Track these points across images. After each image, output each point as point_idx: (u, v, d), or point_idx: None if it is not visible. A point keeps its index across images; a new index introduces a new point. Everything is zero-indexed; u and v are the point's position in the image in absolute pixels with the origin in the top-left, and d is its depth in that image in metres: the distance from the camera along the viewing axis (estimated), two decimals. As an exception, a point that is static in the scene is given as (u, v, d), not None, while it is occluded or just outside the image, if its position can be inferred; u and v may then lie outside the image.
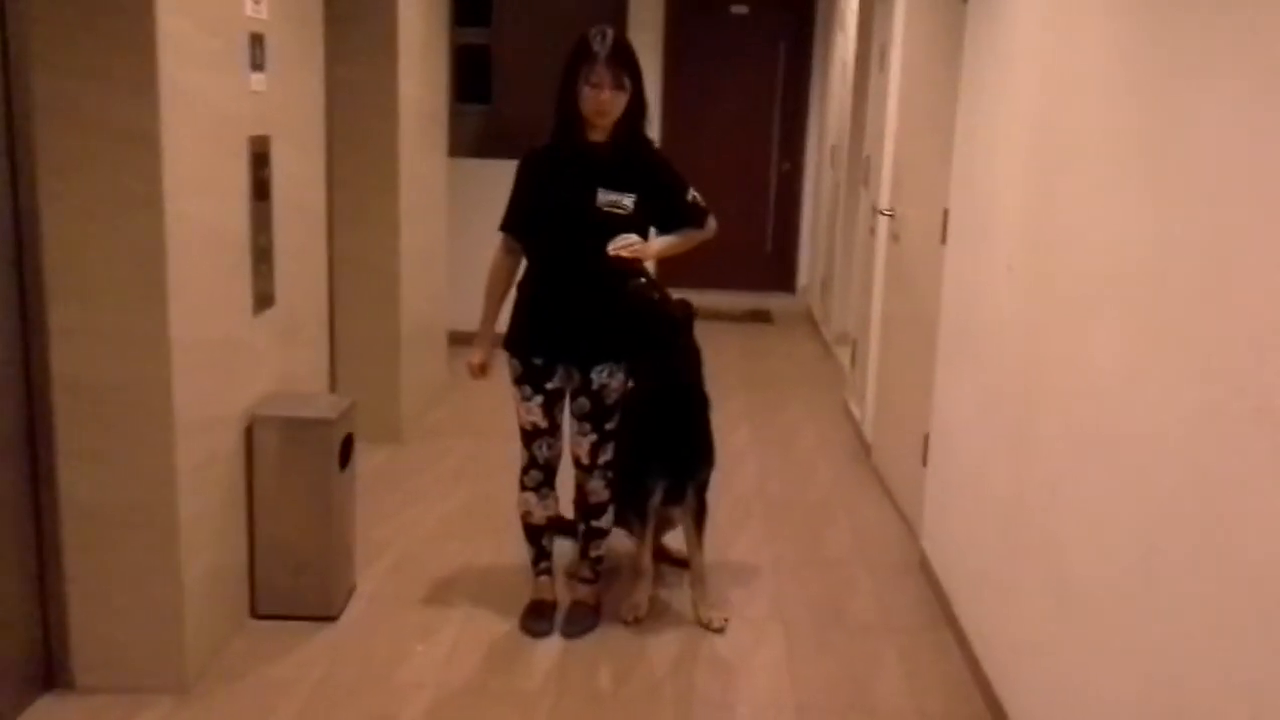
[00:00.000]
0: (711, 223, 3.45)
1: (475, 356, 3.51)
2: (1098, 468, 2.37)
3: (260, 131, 3.35)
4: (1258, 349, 1.73)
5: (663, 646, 3.39)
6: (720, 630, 3.47)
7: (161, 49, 2.71)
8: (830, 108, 8.13)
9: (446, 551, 4.02)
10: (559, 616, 3.50)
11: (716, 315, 8.51)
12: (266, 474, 3.36)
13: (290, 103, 3.60)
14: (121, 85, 2.71)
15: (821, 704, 3.09)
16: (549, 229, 3.33)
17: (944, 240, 3.92)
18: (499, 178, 6.33)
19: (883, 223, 5.10)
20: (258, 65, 3.31)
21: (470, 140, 7.66)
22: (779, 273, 9.24)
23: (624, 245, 3.24)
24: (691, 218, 3.39)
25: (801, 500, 4.71)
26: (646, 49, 8.70)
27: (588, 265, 3.27)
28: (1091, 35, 2.57)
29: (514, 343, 3.39)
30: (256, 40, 3.29)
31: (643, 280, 3.33)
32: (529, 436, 3.46)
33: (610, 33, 3.22)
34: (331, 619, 3.45)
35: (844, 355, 6.86)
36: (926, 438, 4.05)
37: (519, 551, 3.96)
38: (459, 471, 4.89)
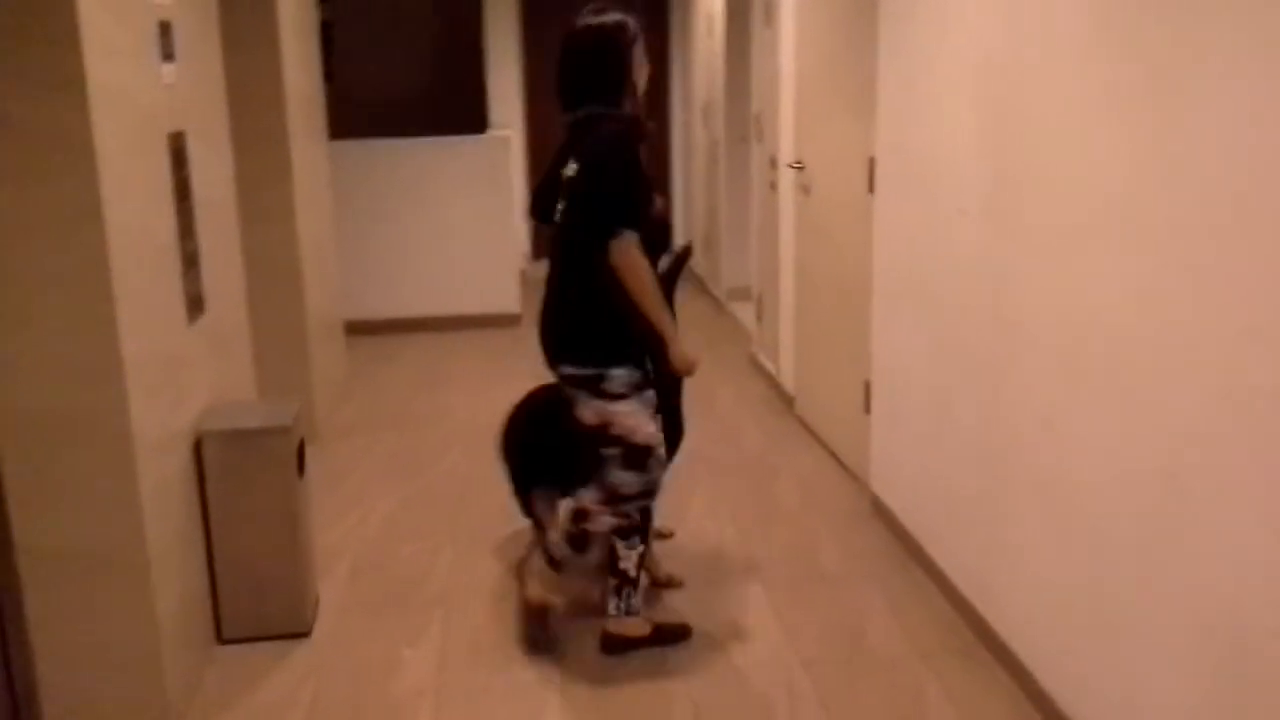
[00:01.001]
0: None
1: (689, 351, 3.07)
2: (1103, 396, 2.45)
3: (176, 127, 3.13)
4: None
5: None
6: (680, 585, 3.50)
7: (86, 43, 2.49)
8: (696, 66, 8.13)
9: (403, 552, 3.88)
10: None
11: (598, 282, 8.48)
12: (222, 491, 3.17)
13: (199, 95, 3.38)
14: (44, 84, 2.47)
15: (824, 656, 3.12)
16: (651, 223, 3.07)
17: (871, 189, 3.97)
18: (341, 159, 6.19)
19: (786, 176, 5.15)
20: (168, 55, 3.08)
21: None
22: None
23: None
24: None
25: (739, 459, 4.74)
26: (501, 15, 8.56)
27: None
28: (1050, -23, 2.62)
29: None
30: (165, 29, 3.06)
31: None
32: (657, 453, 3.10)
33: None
34: (304, 635, 3.30)
35: (741, 311, 6.94)
36: (868, 384, 4.12)
37: (478, 544, 3.89)
38: (388, 469, 4.73)
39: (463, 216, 7.15)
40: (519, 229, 7.97)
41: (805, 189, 4.85)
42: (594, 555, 3.37)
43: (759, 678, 3.03)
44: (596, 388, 3.01)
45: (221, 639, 3.25)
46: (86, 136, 2.50)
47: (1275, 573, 1.90)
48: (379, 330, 7.01)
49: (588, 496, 3.09)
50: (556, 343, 3.11)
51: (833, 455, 4.66)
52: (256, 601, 3.25)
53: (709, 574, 3.64)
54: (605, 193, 2.91)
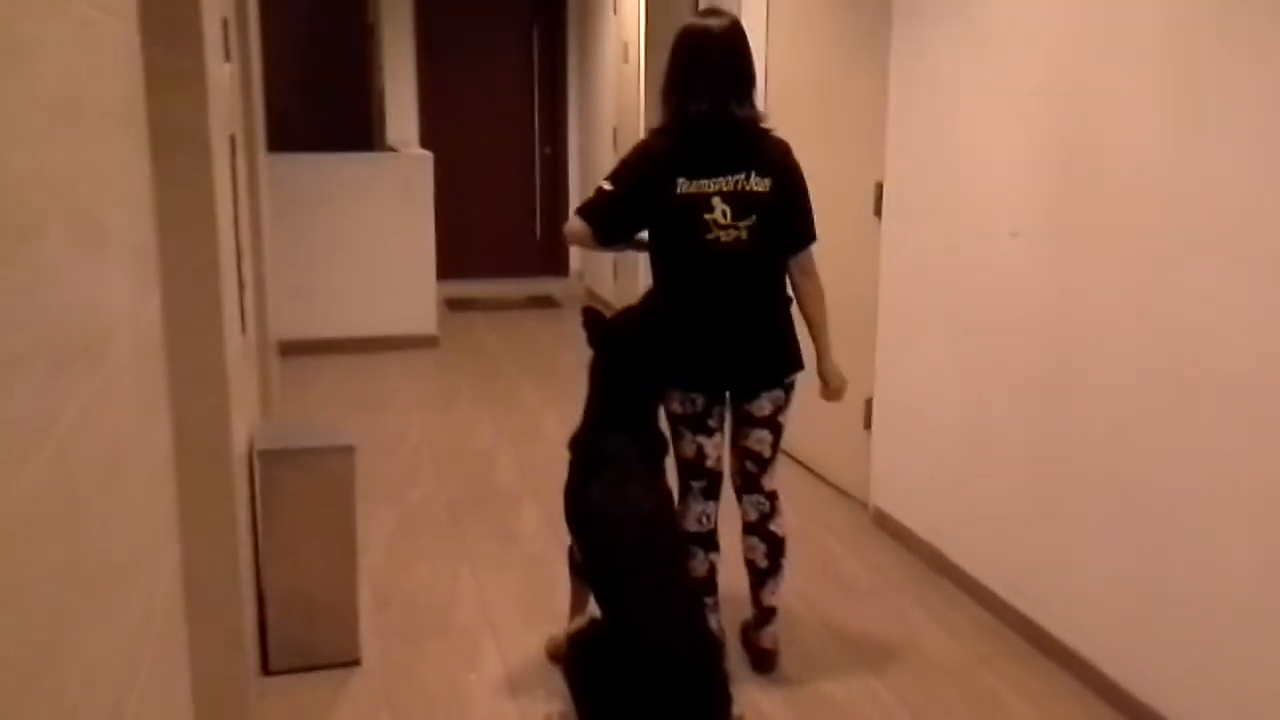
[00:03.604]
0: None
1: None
2: (1195, 404, 2.62)
3: (231, 129, 2.95)
4: None
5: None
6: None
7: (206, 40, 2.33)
8: (604, 90, 8.19)
9: (421, 571, 3.75)
10: None
11: (499, 304, 8.40)
12: (277, 513, 2.99)
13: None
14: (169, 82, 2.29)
15: (892, 668, 3.20)
16: None
17: (878, 213, 4.12)
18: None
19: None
20: (229, 55, 2.91)
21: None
22: (551, 258, 9.20)
23: None
24: None
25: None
26: (397, 37, 8.40)
27: None
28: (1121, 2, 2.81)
29: None
30: (225, 25, 2.89)
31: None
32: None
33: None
34: (354, 664, 3.13)
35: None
36: (869, 402, 4.25)
37: (491, 566, 3.81)
38: (364, 495, 4.51)
39: (379, 236, 6.95)
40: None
41: (779, 212, 4.96)
42: None
43: (842, 692, 3.08)
44: (788, 399, 3.10)
45: (268, 670, 3.05)
46: (205, 135, 2.35)
47: None
48: (293, 351, 6.71)
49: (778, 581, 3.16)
50: (761, 369, 3.05)
51: (812, 472, 4.76)
52: (307, 630, 3.08)
53: (743, 596, 3.66)
54: (808, 204, 3.01)
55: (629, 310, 3.10)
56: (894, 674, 3.16)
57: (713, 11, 3.13)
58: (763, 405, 3.06)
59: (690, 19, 3.12)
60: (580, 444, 2.93)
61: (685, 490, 3.10)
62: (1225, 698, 2.60)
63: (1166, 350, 2.75)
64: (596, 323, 2.98)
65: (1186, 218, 2.66)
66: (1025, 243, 3.27)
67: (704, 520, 3.09)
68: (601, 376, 2.95)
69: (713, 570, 3.11)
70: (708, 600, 3.08)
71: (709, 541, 3.10)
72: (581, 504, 2.84)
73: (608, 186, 3.00)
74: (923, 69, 3.79)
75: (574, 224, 3.05)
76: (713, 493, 3.11)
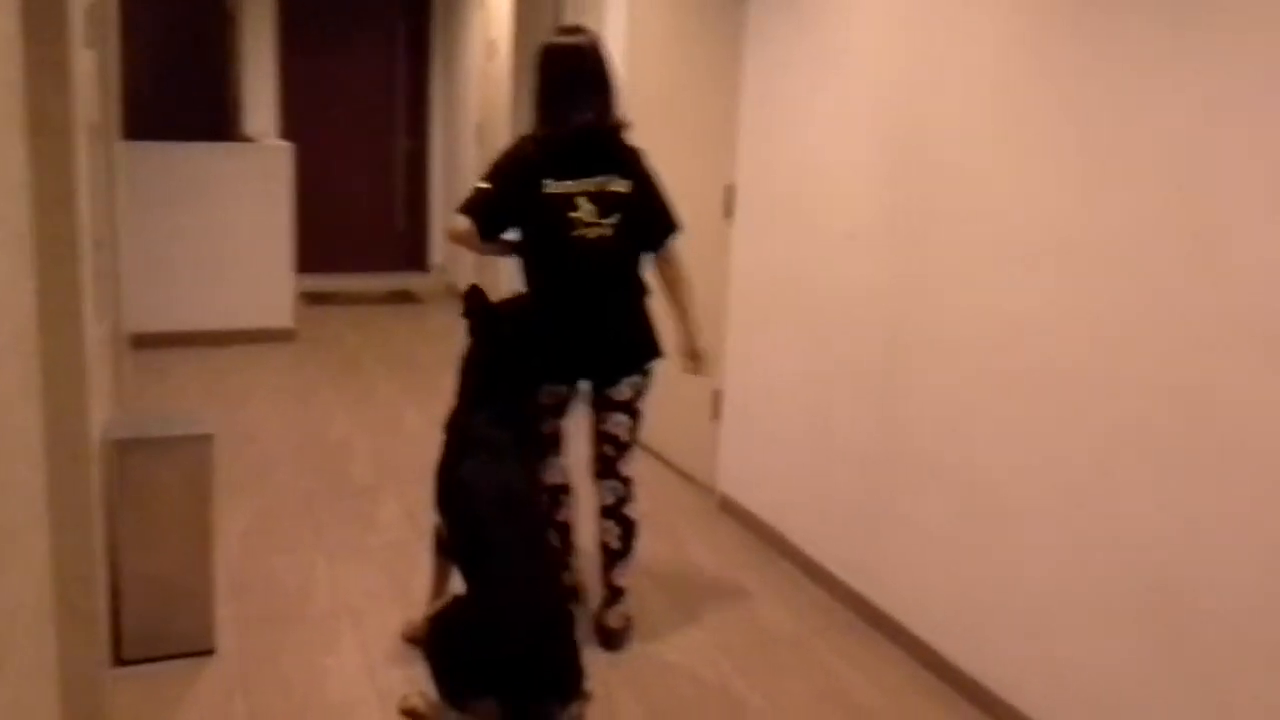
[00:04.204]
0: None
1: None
2: (1024, 397, 2.90)
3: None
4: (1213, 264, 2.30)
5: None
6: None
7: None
8: (469, 86, 8.23)
9: (276, 566, 3.78)
10: None
11: (358, 299, 8.38)
12: (132, 502, 3.00)
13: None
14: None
15: (733, 642, 3.40)
16: None
17: (729, 215, 4.33)
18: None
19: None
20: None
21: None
22: (412, 252, 9.20)
23: None
24: None
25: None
26: (258, 27, 8.28)
27: None
28: (961, 14, 3.07)
29: None
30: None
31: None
32: None
33: None
34: (209, 653, 3.16)
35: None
36: (717, 394, 4.46)
37: (350, 554, 3.87)
38: (220, 480, 4.51)
39: (235, 227, 6.86)
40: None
41: (636, 212, 5.14)
42: None
43: (685, 664, 3.26)
44: (646, 384, 3.32)
45: (121, 659, 3.06)
46: (70, 122, 2.37)
47: (1198, 536, 2.38)
48: (147, 344, 6.57)
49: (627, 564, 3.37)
50: (623, 357, 3.26)
51: (663, 460, 4.94)
52: (162, 619, 3.10)
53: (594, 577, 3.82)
54: (666, 199, 3.28)
55: (510, 302, 3.21)
56: (735, 647, 3.36)
57: (575, 29, 3.38)
58: (623, 390, 3.26)
59: (554, 37, 3.33)
60: (456, 426, 3.04)
61: (546, 454, 3.41)
62: (1035, 664, 2.88)
63: (985, 345, 3.01)
64: (480, 306, 3.08)
65: (1004, 225, 2.93)
66: (861, 244, 3.52)
67: (564, 474, 3.50)
68: (481, 360, 3.06)
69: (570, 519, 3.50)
70: (569, 560, 3.45)
71: (567, 489, 3.50)
72: (453, 481, 2.94)
73: (484, 185, 3.20)
74: (772, 82, 4.01)
75: (458, 221, 3.21)
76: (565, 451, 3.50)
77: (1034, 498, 2.86)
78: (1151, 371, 2.48)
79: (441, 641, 2.77)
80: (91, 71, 4.01)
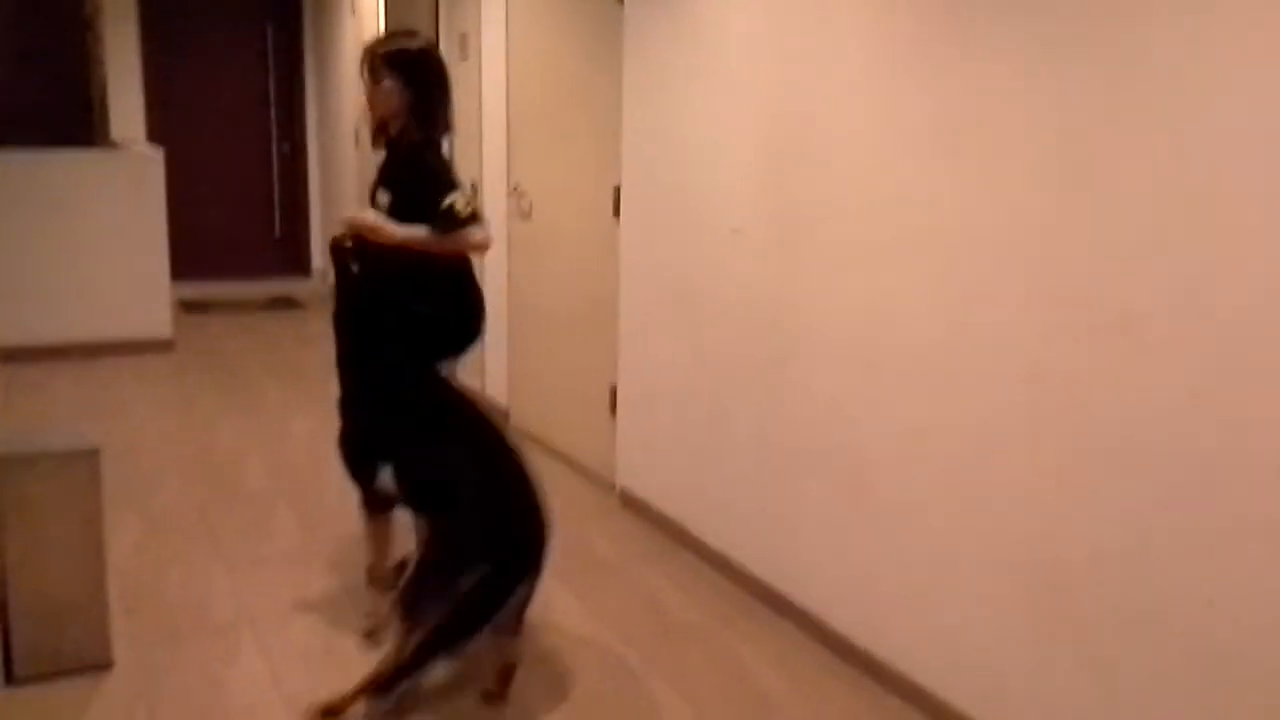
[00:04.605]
0: (469, 233, 3.27)
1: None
2: (900, 384, 3.02)
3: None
4: (1103, 264, 2.45)
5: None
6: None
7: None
8: (344, 89, 8.12)
9: (173, 573, 3.70)
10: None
11: (238, 306, 8.20)
12: (17, 519, 2.90)
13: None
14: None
15: (639, 633, 3.45)
16: None
17: (617, 214, 4.39)
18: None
19: (496, 201, 5.42)
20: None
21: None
22: (292, 257, 9.03)
23: (353, 217, 3.29)
24: (440, 224, 3.22)
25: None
26: (119, 30, 8.04)
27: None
28: (834, 13, 3.18)
29: None
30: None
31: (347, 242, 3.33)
32: None
33: (388, 36, 3.42)
34: (107, 666, 3.08)
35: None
36: (614, 389, 4.51)
37: (247, 565, 3.82)
38: (105, 495, 4.38)
39: (106, 235, 6.64)
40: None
41: (526, 214, 5.16)
42: None
43: (593, 659, 3.30)
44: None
45: (11, 679, 2.96)
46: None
47: (1072, 518, 2.53)
48: (17, 358, 6.31)
49: None
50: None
51: (561, 455, 4.98)
52: (55, 635, 3.01)
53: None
54: None
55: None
56: (641, 638, 3.41)
57: (415, 33, 3.47)
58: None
59: (427, 44, 3.45)
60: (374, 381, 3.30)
61: None
62: (926, 636, 3.00)
63: (866, 333, 3.13)
64: (342, 249, 3.26)
65: (880, 217, 3.05)
66: (746, 239, 3.61)
67: None
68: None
69: None
70: None
71: None
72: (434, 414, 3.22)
73: (461, 193, 3.28)
74: (654, 82, 4.08)
75: (486, 230, 3.32)
76: None
77: (916, 477, 2.98)
78: (1024, 355, 2.62)
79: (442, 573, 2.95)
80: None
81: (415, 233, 3.37)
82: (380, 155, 3.44)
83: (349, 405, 3.42)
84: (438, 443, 3.19)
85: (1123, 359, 2.39)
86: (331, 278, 3.57)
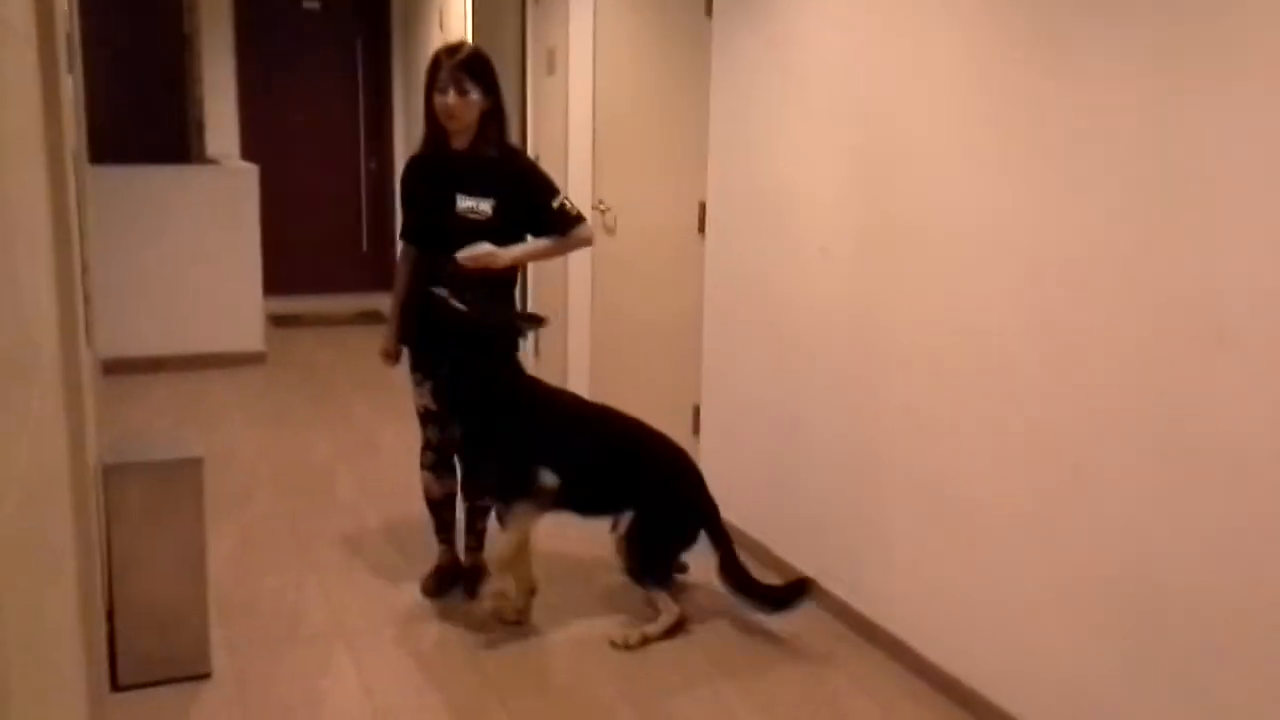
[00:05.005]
0: (582, 230, 3.55)
1: (383, 345, 3.83)
2: (992, 404, 2.97)
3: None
4: (1203, 282, 2.39)
5: (582, 648, 3.53)
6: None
7: None
8: (432, 107, 8.25)
9: (268, 583, 3.78)
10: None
11: (327, 320, 8.35)
12: (127, 527, 2.99)
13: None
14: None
15: (743, 660, 3.44)
16: (423, 234, 3.53)
17: (702, 231, 4.39)
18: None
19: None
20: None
21: None
22: (379, 272, 9.16)
23: (471, 255, 3.33)
24: (555, 225, 3.49)
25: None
26: (216, 48, 8.27)
27: (449, 268, 3.36)
28: (926, 32, 3.15)
29: (404, 333, 3.70)
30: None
31: (445, 291, 3.34)
32: (421, 420, 3.71)
33: (461, 45, 3.48)
34: (205, 677, 3.16)
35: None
36: (697, 408, 4.51)
37: (339, 575, 3.87)
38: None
39: (203, 250, 6.83)
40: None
41: (609, 229, 5.19)
42: None
43: (678, 682, 3.30)
44: None
45: (117, 685, 3.05)
46: (61, 149, 2.38)
47: (1170, 534, 2.46)
48: (115, 370, 6.52)
49: None
50: None
51: (645, 477, 4.98)
52: (158, 644, 3.09)
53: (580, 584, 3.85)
54: None
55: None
56: (727, 659, 3.40)
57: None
58: None
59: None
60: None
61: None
62: (1017, 665, 2.94)
63: (955, 354, 3.09)
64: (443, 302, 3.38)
65: (972, 237, 3.01)
66: (834, 259, 3.59)
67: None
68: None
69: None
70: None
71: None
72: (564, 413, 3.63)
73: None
74: (740, 98, 4.08)
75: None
76: None
77: (1006, 501, 2.93)
78: (1118, 373, 2.56)
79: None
80: (73, 97, 3.97)
81: (526, 246, 3.49)
82: (439, 164, 3.51)
83: (477, 441, 3.53)
84: (585, 431, 3.59)
85: (1221, 376, 2.33)
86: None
